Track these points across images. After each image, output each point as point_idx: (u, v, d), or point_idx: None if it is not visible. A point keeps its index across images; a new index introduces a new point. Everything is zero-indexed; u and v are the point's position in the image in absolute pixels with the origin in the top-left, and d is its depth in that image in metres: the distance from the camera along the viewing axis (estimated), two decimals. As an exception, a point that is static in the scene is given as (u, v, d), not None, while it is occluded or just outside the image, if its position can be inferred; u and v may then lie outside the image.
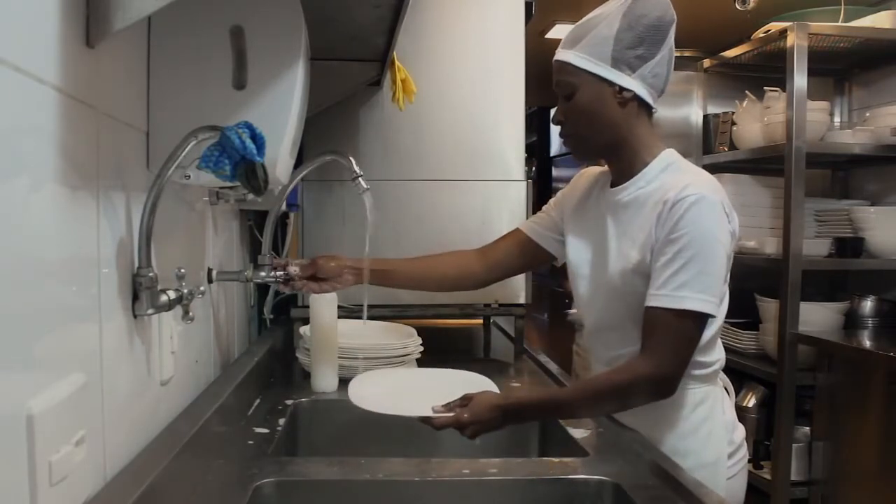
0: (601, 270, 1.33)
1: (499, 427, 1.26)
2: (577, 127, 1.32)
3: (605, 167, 1.41)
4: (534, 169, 6.08)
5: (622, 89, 1.25)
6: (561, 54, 1.29)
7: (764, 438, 2.83)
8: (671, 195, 1.21)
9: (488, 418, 1.24)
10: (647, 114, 1.31)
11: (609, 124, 1.28)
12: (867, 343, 2.60)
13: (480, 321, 2.41)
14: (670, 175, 1.27)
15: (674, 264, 1.19)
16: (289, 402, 1.55)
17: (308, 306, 1.66)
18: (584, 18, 1.29)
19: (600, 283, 1.34)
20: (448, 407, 1.29)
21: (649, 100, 1.28)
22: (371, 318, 2.00)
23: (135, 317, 0.97)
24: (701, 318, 1.20)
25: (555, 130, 5.66)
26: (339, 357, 1.68)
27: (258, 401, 1.56)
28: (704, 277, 1.18)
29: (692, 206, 1.18)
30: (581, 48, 1.26)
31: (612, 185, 1.36)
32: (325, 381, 1.64)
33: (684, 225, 1.19)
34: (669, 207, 1.20)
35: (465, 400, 1.29)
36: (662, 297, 1.19)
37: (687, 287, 1.18)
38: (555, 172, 5.74)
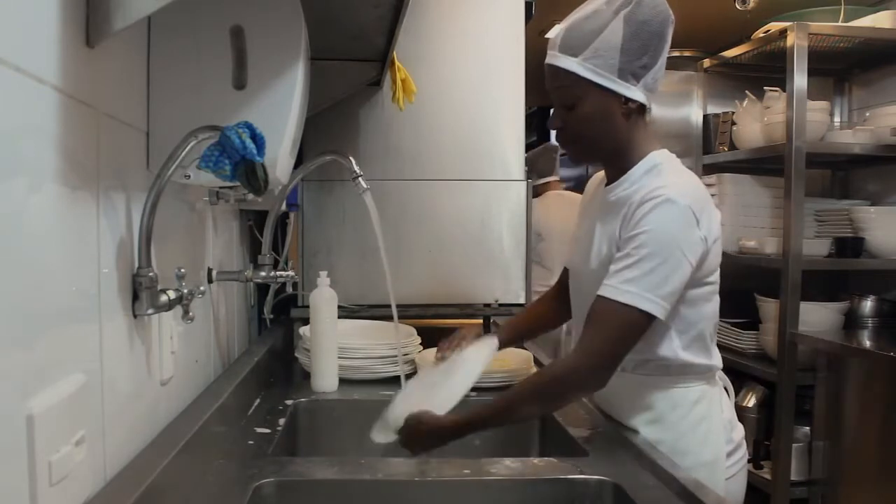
0: (586, 266, 1.35)
1: (443, 444, 1.24)
2: (579, 135, 1.30)
3: None
4: (534, 169, 6.07)
5: (628, 100, 1.24)
6: (561, 60, 1.23)
7: (764, 438, 2.83)
8: (638, 197, 1.21)
9: (425, 442, 1.24)
10: (644, 115, 1.31)
11: (613, 135, 1.28)
12: (867, 343, 2.60)
13: (480, 321, 2.41)
14: (651, 178, 1.26)
15: (627, 259, 1.19)
16: (289, 402, 1.55)
17: (308, 306, 1.66)
18: (576, 19, 1.24)
19: (585, 281, 1.35)
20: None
21: (648, 103, 1.28)
22: (371, 318, 2.01)
23: (135, 317, 0.97)
24: (644, 317, 1.18)
25: (554, 131, 5.65)
26: (339, 357, 1.68)
27: (258, 401, 1.56)
28: (653, 277, 1.17)
29: (655, 208, 1.18)
30: (587, 58, 1.21)
31: (606, 185, 1.36)
32: (325, 381, 1.64)
33: (644, 224, 1.19)
34: (635, 208, 1.21)
35: (405, 425, 1.27)
36: (608, 287, 1.19)
37: (633, 283, 1.17)
38: (555, 172, 5.72)
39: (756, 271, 2.87)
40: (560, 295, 1.55)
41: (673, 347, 1.26)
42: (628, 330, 1.20)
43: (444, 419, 1.26)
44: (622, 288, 1.18)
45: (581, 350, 1.21)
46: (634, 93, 1.24)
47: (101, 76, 0.87)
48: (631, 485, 1.11)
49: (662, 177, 1.25)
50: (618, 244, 1.24)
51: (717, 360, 1.33)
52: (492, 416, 1.26)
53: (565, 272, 1.55)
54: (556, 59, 1.25)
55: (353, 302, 2.02)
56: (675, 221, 1.18)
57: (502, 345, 1.53)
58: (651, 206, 1.19)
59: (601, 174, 1.48)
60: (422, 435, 1.24)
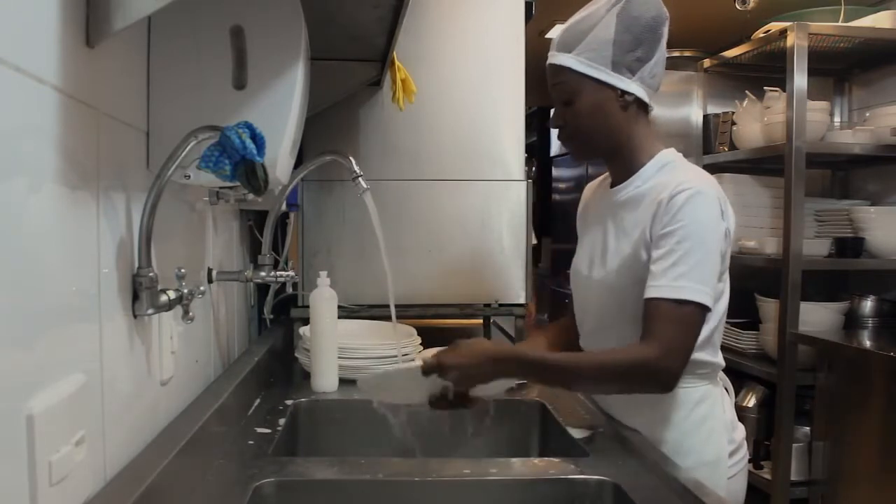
0: (598, 269, 1.34)
1: (487, 377, 1.22)
2: (578, 131, 1.31)
3: (606, 174, 1.42)
4: (534, 169, 6.07)
5: (623, 93, 1.26)
6: (558, 58, 1.28)
7: (764, 438, 2.83)
8: (667, 192, 1.21)
9: (474, 363, 1.21)
10: (646, 113, 1.32)
11: (611, 128, 1.29)
12: (867, 343, 2.59)
13: (480, 321, 2.41)
14: (666, 174, 1.28)
15: (672, 256, 1.18)
16: (289, 402, 1.55)
17: (308, 306, 1.66)
18: (574, 20, 1.29)
19: (597, 282, 1.35)
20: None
21: (647, 99, 1.29)
22: (371, 318, 2.01)
23: (135, 317, 0.97)
24: (701, 309, 1.18)
25: (555, 130, 5.64)
26: (339, 357, 1.68)
27: (258, 401, 1.56)
28: (702, 269, 1.17)
29: (689, 200, 1.19)
30: (580, 53, 1.25)
31: (612, 186, 1.36)
32: (325, 381, 1.64)
33: (681, 217, 1.19)
34: (666, 202, 1.21)
35: (455, 345, 1.26)
36: (661, 287, 1.18)
37: (685, 277, 1.17)
38: (555, 172, 5.73)
39: (756, 271, 2.87)
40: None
41: None
42: (692, 325, 1.18)
43: (519, 350, 1.25)
44: (676, 285, 1.17)
45: (652, 345, 1.16)
46: (630, 85, 1.25)
47: (101, 76, 0.87)
48: (631, 485, 1.11)
49: (678, 172, 1.26)
50: (647, 243, 1.23)
51: (720, 359, 1.33)
52: (565, 369, 1.22)
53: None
54: (554, 57, 1.29)
55: (353, 302, 2.02)
56: (708, 212, 1.20)
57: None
58: (684, 198, 1.19)
59: (596, 181, 1.48)
60: (482, 358, 1.21)
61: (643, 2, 1.25)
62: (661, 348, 1.16)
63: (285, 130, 1.11)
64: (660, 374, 1.18)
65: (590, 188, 1.50)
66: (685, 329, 1.18)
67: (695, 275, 1.17)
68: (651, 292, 1.19)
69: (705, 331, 1.26)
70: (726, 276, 1.29)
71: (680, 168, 1.29)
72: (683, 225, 1.18)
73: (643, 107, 1.30)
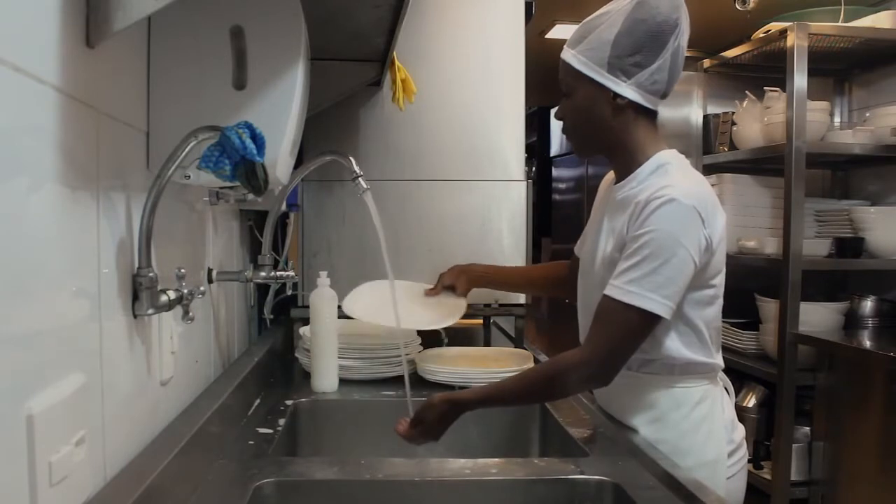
0: (592, 265, 1.36)
1: (449, 421, 1.28)
2: (573, 126, 1.35)
3: None
4: (534, 169, 6.07)
5: (616, 96, 1.26)
6: (564, 52, 1.31)
7: (764, 438, 2.83)
8: (645, 196, 1.22)
9: (433, 416, 1.27)
10: (647, 116, 1.31)
11: (603, 128, 1.30)
12: (867, 343, 2.60)
13: (480, 321, 2.41)
14: (658, 177, 1.27)
15: (630, 259, 1.21)
16: (289, 402, 1.55)
17: (308, 306, 1.66)
18: (593, 15, 1.29)
19: (591, 278, 1.36)
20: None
21: (648, 105, 1.28)
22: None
23: (135, 317, 0.97)
24: (647, 317, 1.19)
25: (555, 130, 5.64)
26: (339, 357, 1.68)
27: (258, 401, 1.56)
28: (656, 277, 1.18)
29: (660, 207, 1.19)
30: (580, 50, 1.27)
31: (615, 184, 1.37)
32: (325, 381, 1.64)
33: (648, 223, 1.20)
34: (642, 206, 1.22)
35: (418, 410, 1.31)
36: (613, 287, 1.21)
37: (636, 283, 1.19)
38: (555, 172, 5.73)
39: (756, 271, 2.87)
40: (569, 276, 1.59)
41: (677, 347, 1.27)
42: (633, 329, 1.21)
43: (456, 395, 1.30)
44: (626, 288, 1.19)
45: (588, 347, 1.24)
46: (623, 89, 1.25)
47: (101, 76, 0.87)
48: (631, 485, 1.11)
49: (669, 176, 1.26)
50: (624, 244, 1.24)
51: (719, 360, 1.34)
52: (499, 397, 1.31)
53: (574, 259, 1.58)
54: (563, 51, 1.32)
55: (353, 302, 2.02)
56: (678, 221, 1.19)
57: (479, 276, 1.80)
58: (655, 205, 1.19)
59: (611, 174, 1.48)
60: (440, 411, 1.27)
61: (653, 6, 1.23)
62: (591, 350, 1.24)
63: (285, 130, 1.11)
64: (590, 374, 1.26)
65: (605, 181, 1.49)
66: (624, 333, 1.22)
67: (648, 282, 1.18)
68: (606, 289, 1.23)
69: (697, 334, 1.28)
70: (719, 282, 1.30)
71: (672, 172, 1.27)
72: (648, 231, 1.19)
73: (643, 111, 1.29)
